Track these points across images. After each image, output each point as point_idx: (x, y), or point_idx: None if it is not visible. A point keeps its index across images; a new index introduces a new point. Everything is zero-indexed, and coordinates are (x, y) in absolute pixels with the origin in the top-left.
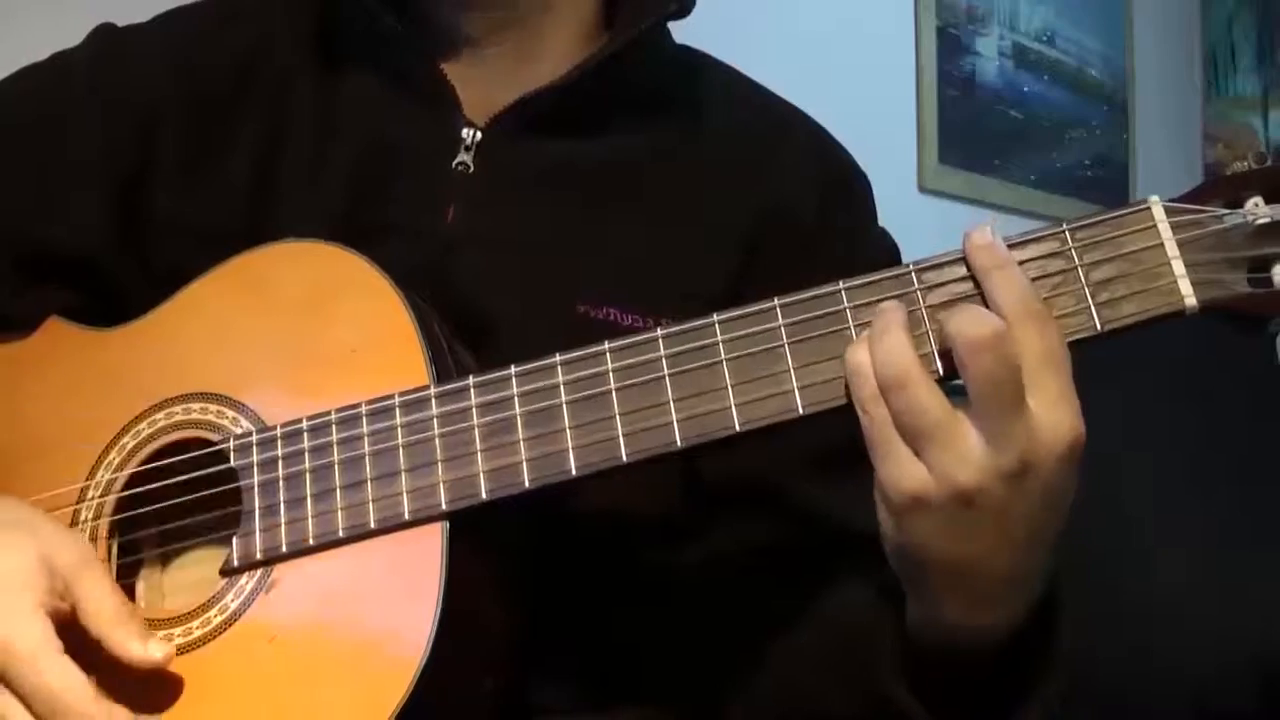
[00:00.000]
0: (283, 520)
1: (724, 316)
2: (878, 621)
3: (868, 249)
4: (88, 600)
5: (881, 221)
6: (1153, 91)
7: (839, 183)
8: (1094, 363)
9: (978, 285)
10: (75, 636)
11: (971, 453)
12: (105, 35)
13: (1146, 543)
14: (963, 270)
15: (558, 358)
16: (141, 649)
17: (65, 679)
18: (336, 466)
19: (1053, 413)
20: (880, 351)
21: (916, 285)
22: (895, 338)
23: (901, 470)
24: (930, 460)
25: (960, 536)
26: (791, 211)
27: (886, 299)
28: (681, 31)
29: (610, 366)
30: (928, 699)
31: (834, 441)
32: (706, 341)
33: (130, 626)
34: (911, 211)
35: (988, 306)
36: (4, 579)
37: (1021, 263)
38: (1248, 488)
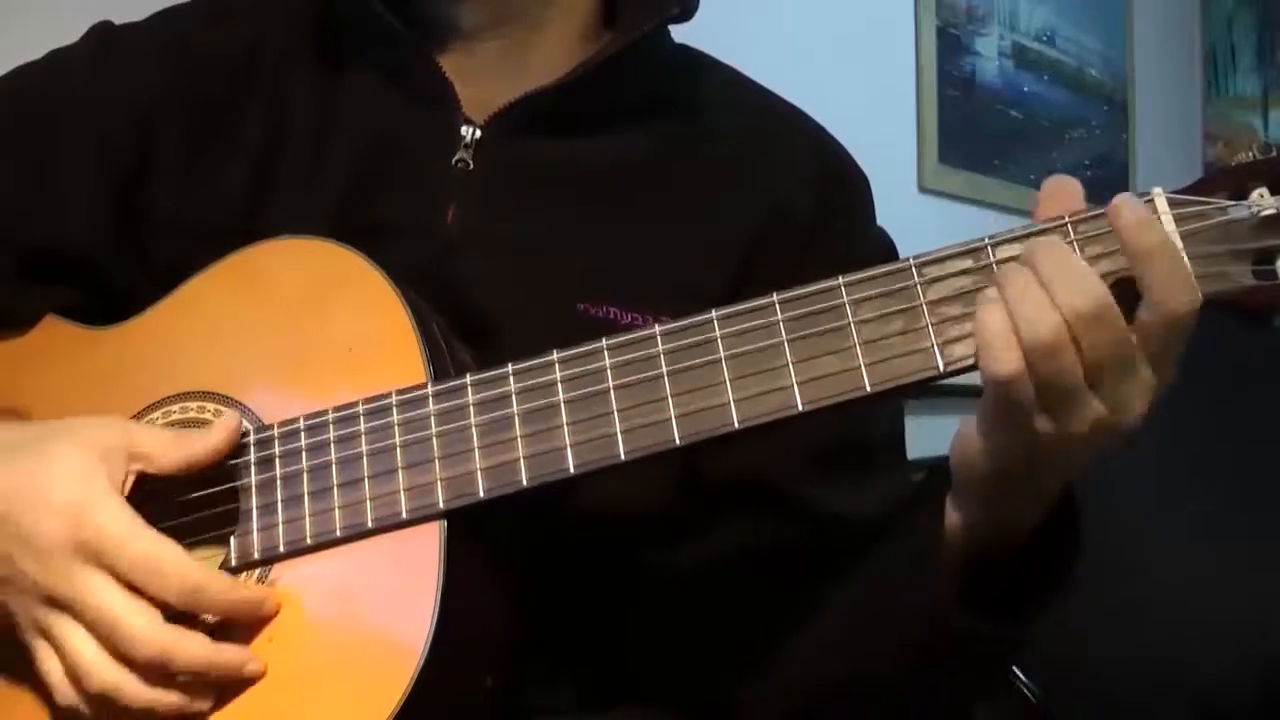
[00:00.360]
0: (280, 519)
1: (722, 313)
2: (916, 564)
3: (865, 248)
4: (152, 456)
5: (881, 221)
6: (1153, 91)
7: (837, 182)
8: None
9: (977, 280)
10: None
11: (1147, 384)
12: (103, 33)
13: (1147, 539)
14: (963, 264)
15: (555, 355)
16: (204, 444)
17: (160, 545)
18: (334, 465)
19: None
20: (1077, 291)
21: (916, 280)
22: (1090, 276)
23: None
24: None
25: (1076, 451)
26: (790, 211)
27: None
28: (681, 31)
29: (608, 364)
30: (981, 610)
31: (833, 439)
32: (705, 338)
33: (199, 442)
34: (911, 211)
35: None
36: (69, 473)
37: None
38: (1249, 483)
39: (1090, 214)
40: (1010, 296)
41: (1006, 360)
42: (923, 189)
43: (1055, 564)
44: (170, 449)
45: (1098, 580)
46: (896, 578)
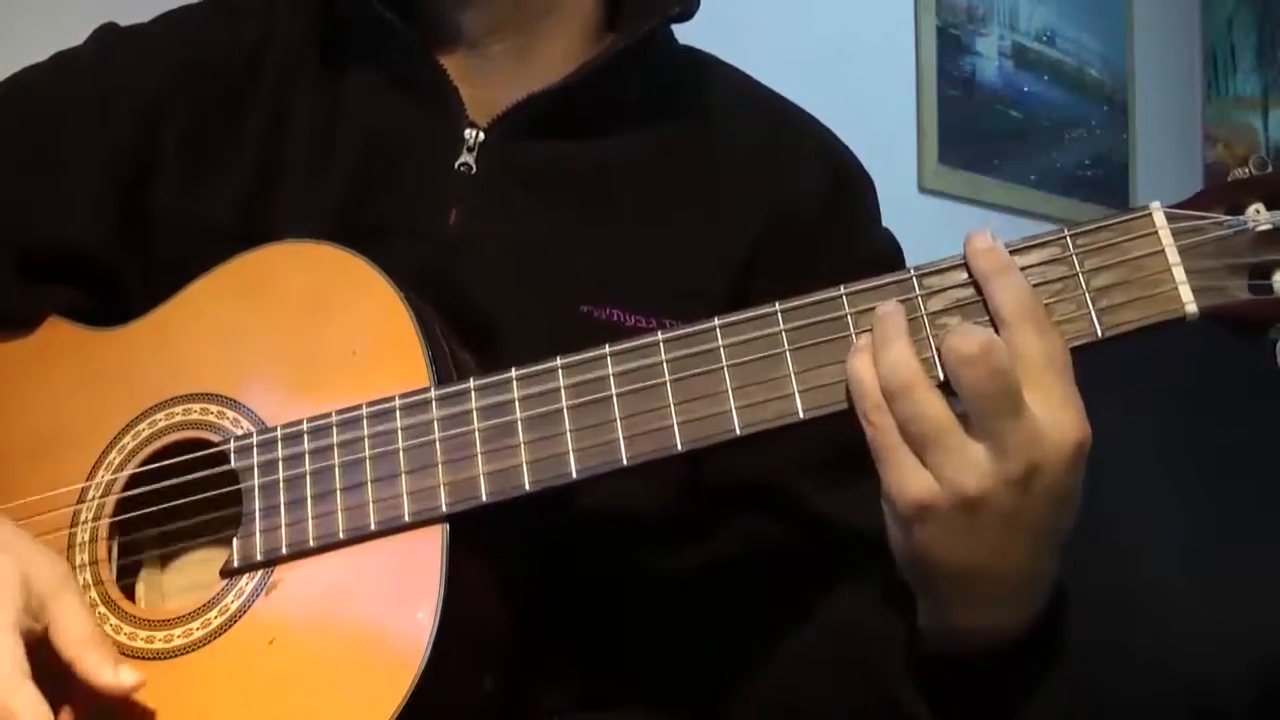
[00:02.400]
0: (283, 522)
1: (725, 321)
2: (885, 624)
3: (871, 249)
4: (61, 622)
5: (882, 221)
6: (1153, 91)
7: (842, 183)
8: (1093, 366)
9: (979, 290)
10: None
11: (976, 459)
12: (107, 34)
13: (1144, 541)
14: (964, 275)
15: (558, 361)
16: (112, 675)
17: (27, 705)
18: (337, 468)
19: (1056, 415)
20: (883, 360)
21: (918, 290)
22: (897, 346)
23: (906, 478)
24: (935, 468)
25: (968, 542)
26: (795, 212)
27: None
28: (683, 32)
29: (611, 370)
30: (934, 701)
31: (834, 443)
32: (707, 346)
33: (101, 651)
34: (911, 211)
35: (988, 311)
36: None
37: (1023, 269)
38: (1246, 488)
39: (1091, 226)
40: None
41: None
42: (923, 189)
43: (1035, 670)
44: (75, 633)
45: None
46: (859, 659)
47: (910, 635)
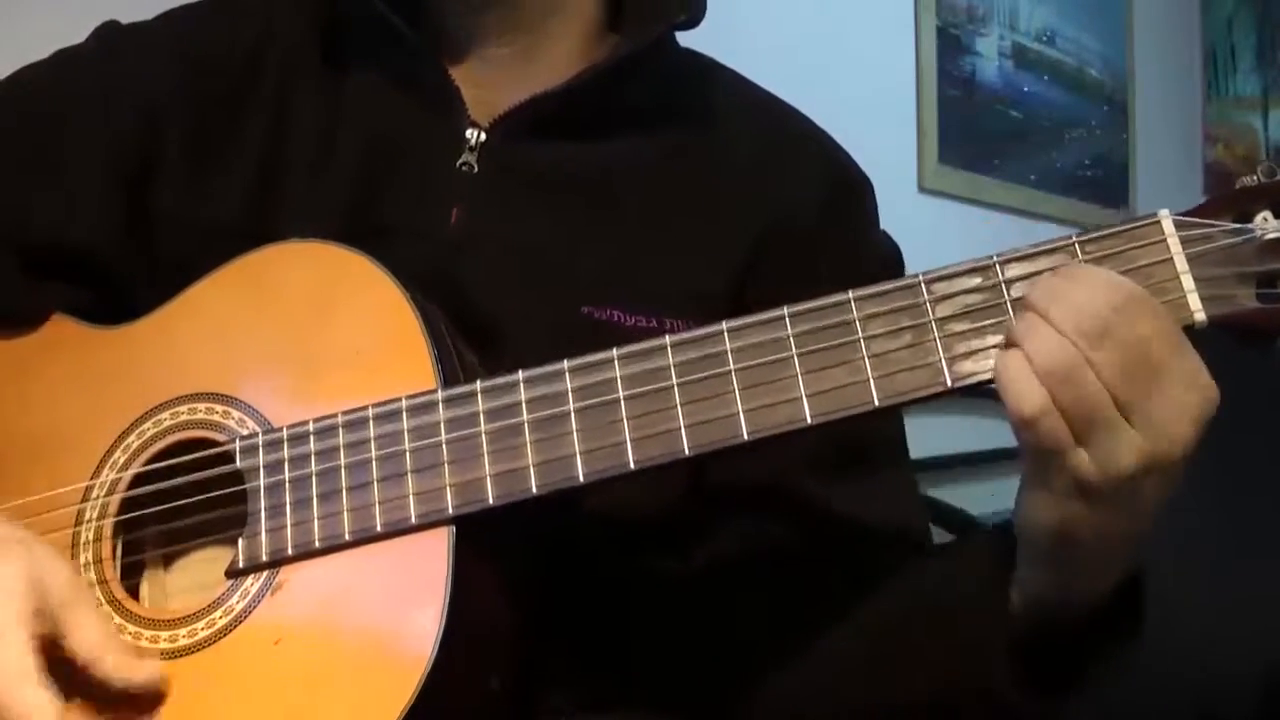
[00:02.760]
0: (289, 522)
1: (732, 325)
2: (964, 611)
3: (869, 253)
4: (78, 624)
5: (882, 221)
6: (1153, 91)
7: (842, 187)
8: None
9: (985, 298)
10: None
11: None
12: (109, 33)
13: (1151, 546)
14: (972, 282)
15: (565, 364)
16: (130, 673)
17: (42, 708)
18: (343, 469)
19: (1184, 393)
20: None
21: (926, 296)
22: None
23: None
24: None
25: (1123, 515)
26: (795, 215)
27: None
28: (683, 31)
29: (618, 373)
30: (1027, 678)
31: (839, 441)
32: (715, 350)
33: (118, 654)
34: (911, 211)
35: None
36: None
37: (1032, 275)
38: (1254, 497)
39: (1099, 234)
40: (1018, 336)
41: (1029, 396)
42: (923, 189)
43: (1108, 642)
44: (93, 639)
45: None
46: (947, 627)
47: (1000, 619)
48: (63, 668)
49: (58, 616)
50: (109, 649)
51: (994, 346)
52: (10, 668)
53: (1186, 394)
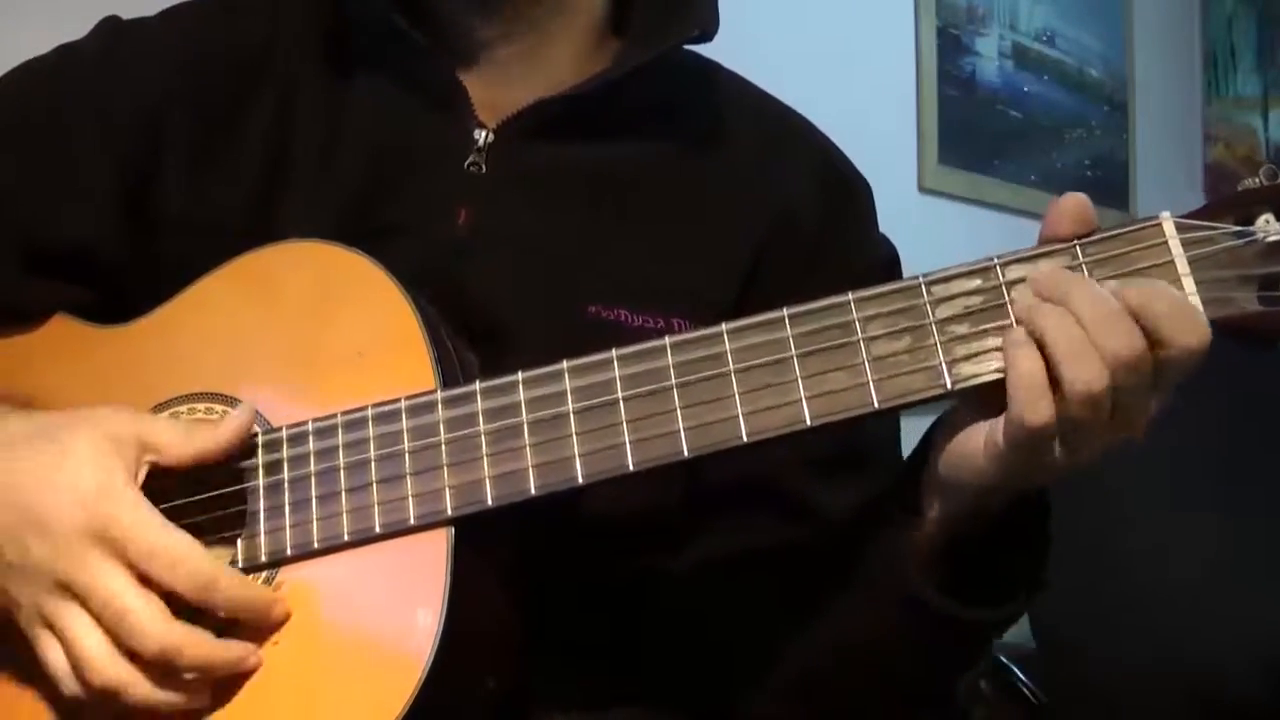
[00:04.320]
0: (288, 523)
1: (732, 326)
2: (894, 548)
3: (869, 255)
4: (163, 447)
5: (881, 221)
6: (1153, 91)
7: (843, 190)
8: None
9: (985, 300)
10: None
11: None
12: (112, 29)
13: (1152, 541)
14: (972, 284)
15: (565, 365)
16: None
17: (167, 536)
18: (342, 470)
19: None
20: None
21: (925, 298)
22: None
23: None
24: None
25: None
26: (796, 216)
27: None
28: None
29: (618, 374)
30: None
31: (832, 440)
32: (715, 351)
33: (204, 435)
34: (911, 211)
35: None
36: (85, 462)
37: (1033, 277)
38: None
39: (1100, 236)
40: (1050, 340)
41: (1041, 410)
42: (923, 189)
43: (1026, 544)
44: (182, 441)
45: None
46: (874, 568)
47: (922, 541)
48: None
49: (145, 444)
50: (199, 432)
51: (995, 349)
52: (145, 518)
53: (1155, 403)
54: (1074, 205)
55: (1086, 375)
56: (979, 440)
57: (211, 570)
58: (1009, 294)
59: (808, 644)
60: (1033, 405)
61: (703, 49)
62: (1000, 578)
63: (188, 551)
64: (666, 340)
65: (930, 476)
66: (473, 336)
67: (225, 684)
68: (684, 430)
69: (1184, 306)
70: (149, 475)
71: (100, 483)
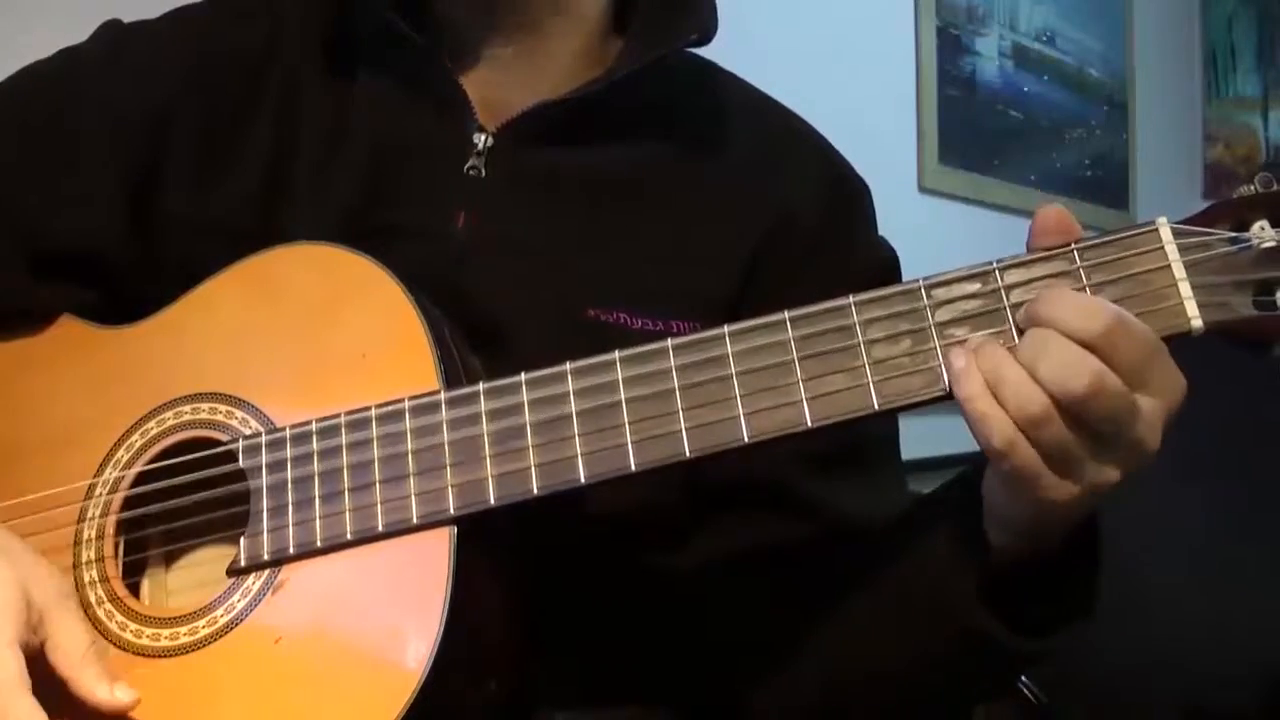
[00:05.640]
0: (290, 522)
1: (734, 328)
2: (936, 567)
3: (868, 257)
4: (59, 637)
5: (881, 221)
6: (1153, 91)
7: (842, 192)
8: None
9: (984, 304)
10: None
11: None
12: (114, 32)
13: (1149, 543)
14: (971, 288)
15: (568, 366)
16: (106, 693)
17: (28, 717)
18: (345, 469)
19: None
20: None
21: (926, 301)
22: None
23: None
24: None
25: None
26: (795, 218)
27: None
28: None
29: (620, 376)
30: (1005, 617)
31: (831, 438)
32: (716, 353)
33: (98, 668)
34: (911, 211)
35: (1017, 330)
36: None
37: (1030, 282)
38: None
39: (1097, 241)
40: (992, 379)
41: (996, 433)
42: (923, 189)
43: (1077, 580)
44: (74, 647)
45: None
46: (923, 579)
47: (975, 566)
48: (55, 679)
49: (42, 624)
50: (86, 663)
51: None
52: (4, 683)
53: (1160, 402)
54: (1055, 218)
55: (1019, 396)
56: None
57: None
58: (1007, 298)
59: (835, 654)
60: (984, 433)
61: (703, 49)
62: (1046, 605)
63: None
64: (669, 342)
65: (987, 510)
66: (472, 340)
67: (223, 683)
68: (686, 431)
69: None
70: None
71: None
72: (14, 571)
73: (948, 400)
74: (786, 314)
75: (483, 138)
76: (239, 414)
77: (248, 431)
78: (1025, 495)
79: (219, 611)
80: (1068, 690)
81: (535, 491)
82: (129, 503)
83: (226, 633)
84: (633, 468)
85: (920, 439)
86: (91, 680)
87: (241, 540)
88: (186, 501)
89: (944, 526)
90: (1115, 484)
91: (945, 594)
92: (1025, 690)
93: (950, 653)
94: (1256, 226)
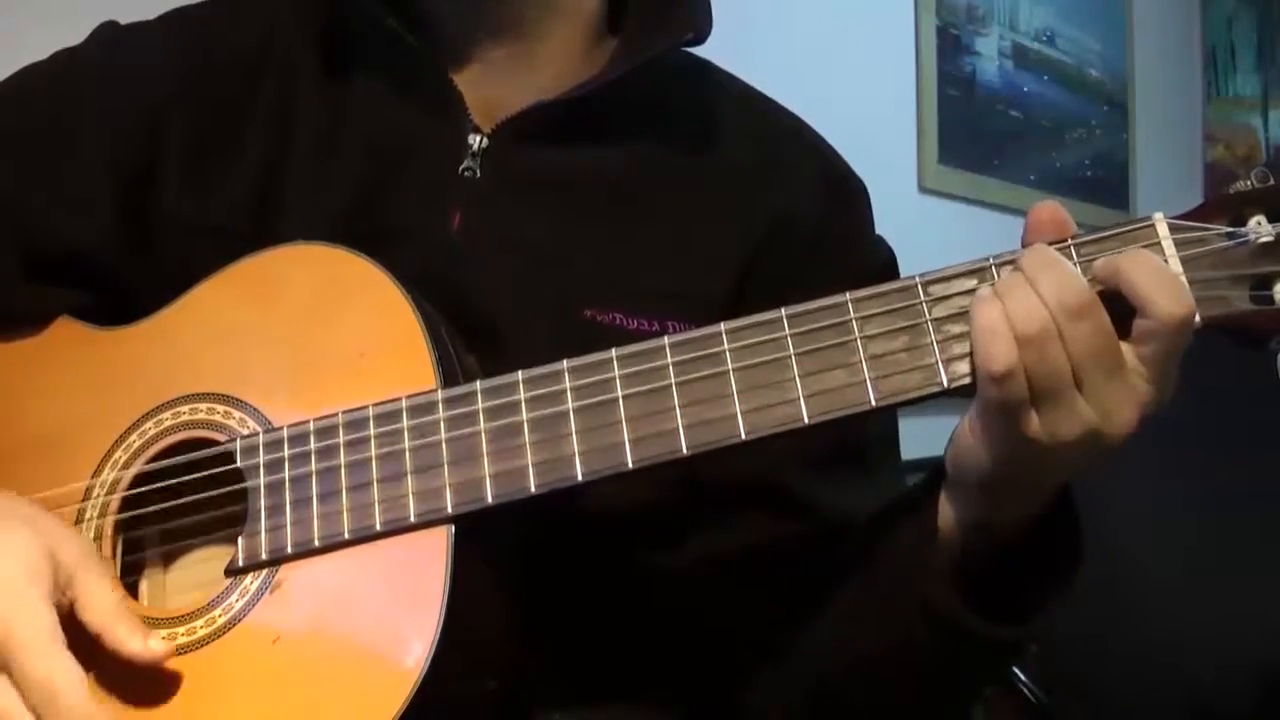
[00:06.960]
0: (288, 521)
1: (731, 326)
2: (910, 551)
3: (866, 257)
4: (88, 595)
5: (881, 221)
6: (1153, 91)
7: (840, 192)
8: None
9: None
10: (77, 634)
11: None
12: (110, 34)
13: (1148, 542)
14: (968, 284)
15: (565, 364)
16: (140, 644)
17: (65, 673)
18: (343, 469)
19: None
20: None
21: (922, 298)
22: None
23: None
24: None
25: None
26: (792, 218)
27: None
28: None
29: (617, 373)
30: (970, 598)
31: (830, 437)
32: (713, 350)
33: (130, 622)
34: (911, 211)
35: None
36: (12, 570)
37: None
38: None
39: (1094, 236)
40: (1001, 291)
41: (1002, 355)
42: (923, 189)
43: (1054, 564)
44: (103, 603)
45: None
46: (891, 576)
47: (935, 547)
48: (85, 640)
49: (70, 584)
50: (118, 617)
51: None
52: (31, 634)
53: (1142, 384)
54: (1050, 214)
55: (1023, 311)
56: (966, 426)
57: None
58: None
59: (818, 650)
60: (990, 351)
61: (703, 49)
62: (1024, 594)
63: (71, 690)
64: (665, 340)
65: (946, 484)
66: (469, 339)
67: (221, 682)
68: (683, 428)
69: (1165, 273)
70: (63, 608)
71: (16, 594)
72: (37, 535)
73: (945, 397)
74: (783, 311)
75: (477, 138)
76: (236, 414)
77: (245, 431)
78: (1000, 432)
79: (217, 611)
80: (1068, 690)
81: (533, 490)
82: (127, 503)
83: (225, 633)
84: (630, 465)
85: (920, 439)
86: (125, 633)
87: (239, 540)
88: (185, 502)
89: (911, 514)
90: (1082, 446)
91: (909, 575)
92: (1025, 690)
93: (920, 636)
94: (1253, 221)
